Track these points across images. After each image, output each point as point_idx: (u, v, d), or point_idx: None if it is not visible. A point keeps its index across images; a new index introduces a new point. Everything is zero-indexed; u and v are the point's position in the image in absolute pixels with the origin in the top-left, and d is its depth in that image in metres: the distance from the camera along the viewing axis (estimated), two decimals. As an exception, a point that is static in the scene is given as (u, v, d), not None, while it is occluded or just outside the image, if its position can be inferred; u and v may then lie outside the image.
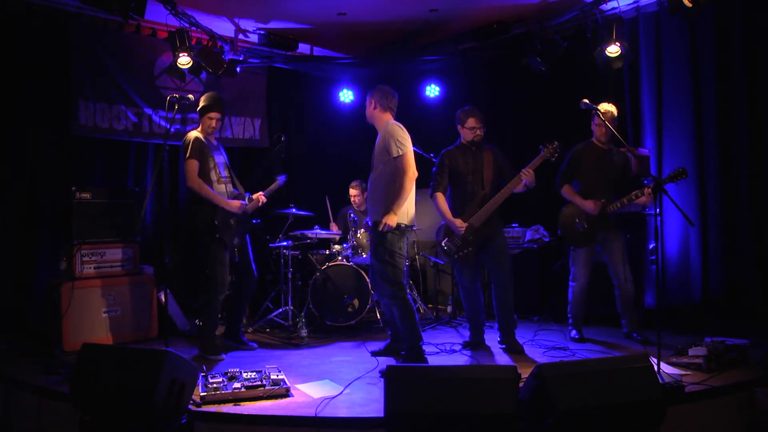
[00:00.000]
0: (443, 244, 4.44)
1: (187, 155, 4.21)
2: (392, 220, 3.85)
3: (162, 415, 2.70)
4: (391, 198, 3.89)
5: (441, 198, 4.39)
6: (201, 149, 4.27)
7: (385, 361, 4.09)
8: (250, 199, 4.49)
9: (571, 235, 4.61)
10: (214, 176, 4.32)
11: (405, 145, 3.92)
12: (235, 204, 4.32)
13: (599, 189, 4.47)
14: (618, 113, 4.51)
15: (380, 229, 3.87)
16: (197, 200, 4.27)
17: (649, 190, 4.20)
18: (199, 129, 4.43)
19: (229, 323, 4.59)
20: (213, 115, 4.39)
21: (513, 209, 5.52)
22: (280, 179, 4.79)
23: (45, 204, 5.03)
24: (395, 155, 3.89)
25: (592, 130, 4.60)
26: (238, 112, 6.23)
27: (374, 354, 4.26)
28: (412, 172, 3.90)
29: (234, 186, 4.49)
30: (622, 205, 4.37)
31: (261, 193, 4.56)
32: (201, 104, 4.41)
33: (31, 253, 4.99)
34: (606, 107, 4.41)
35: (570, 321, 4.70)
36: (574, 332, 4.65)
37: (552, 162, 4.29)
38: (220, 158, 4.45)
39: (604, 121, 4.19)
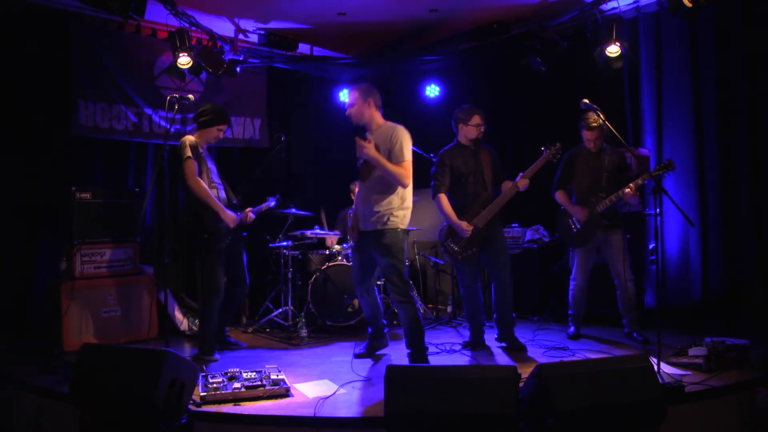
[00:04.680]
0: (447, 245, 4.43)
1: (187, 155, 4.15)
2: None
3: (162, 415, 2.70)
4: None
5: (445, 199, 4.33)
6: (198, 151, 4.26)
7: (386, 360, 4.09)
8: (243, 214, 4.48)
9: (568, 237, 4.63)
10: (206, 181, 4.29)
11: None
12: (230, 217, 4.25)
13: (594, 191, 4.47)
14: (618, 113, 4.49)
15: None
16: (193, 200, 4.19)
17: (634, 184, 4.18)
18: (195, 136, 4.36)
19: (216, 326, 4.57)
20: (222, 127, 4.42)
21: (513, 209, 5.51)
22: (271, 201, 4.78)
23: (45, 204, 5.02)
24: (401, 160, 3.82)
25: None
26: (238, 112, 6.22)
27: (357, 356, 4.23)
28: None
29: (226, 193, 4.45)
30: (611, 202, 4.35)
31: (249, 209, 4.53)
32: (206, 116, 4.36)
33: (31, 253, 4.98)
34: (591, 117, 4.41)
35: (570, 319, 4.73)
36: (571, 329, 4.68)
37: (554, 163, 4.30)
38: (213, 166, 4.44)
39: (594, 135, 4.21)
